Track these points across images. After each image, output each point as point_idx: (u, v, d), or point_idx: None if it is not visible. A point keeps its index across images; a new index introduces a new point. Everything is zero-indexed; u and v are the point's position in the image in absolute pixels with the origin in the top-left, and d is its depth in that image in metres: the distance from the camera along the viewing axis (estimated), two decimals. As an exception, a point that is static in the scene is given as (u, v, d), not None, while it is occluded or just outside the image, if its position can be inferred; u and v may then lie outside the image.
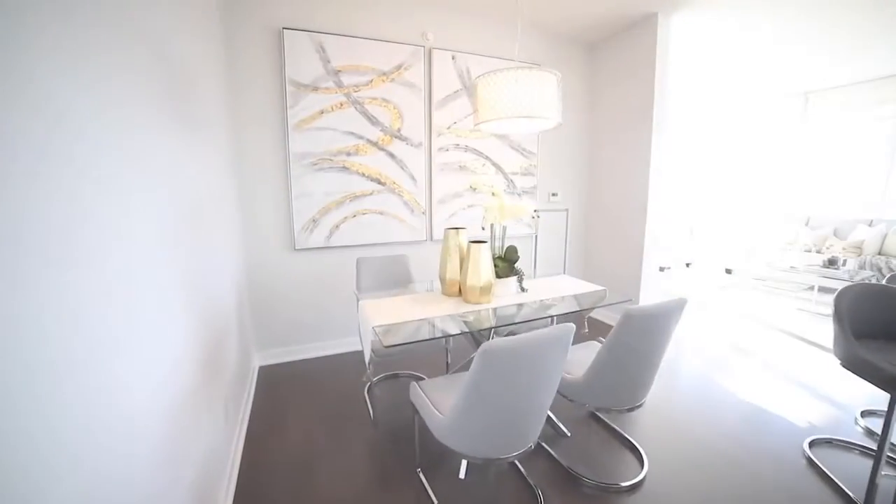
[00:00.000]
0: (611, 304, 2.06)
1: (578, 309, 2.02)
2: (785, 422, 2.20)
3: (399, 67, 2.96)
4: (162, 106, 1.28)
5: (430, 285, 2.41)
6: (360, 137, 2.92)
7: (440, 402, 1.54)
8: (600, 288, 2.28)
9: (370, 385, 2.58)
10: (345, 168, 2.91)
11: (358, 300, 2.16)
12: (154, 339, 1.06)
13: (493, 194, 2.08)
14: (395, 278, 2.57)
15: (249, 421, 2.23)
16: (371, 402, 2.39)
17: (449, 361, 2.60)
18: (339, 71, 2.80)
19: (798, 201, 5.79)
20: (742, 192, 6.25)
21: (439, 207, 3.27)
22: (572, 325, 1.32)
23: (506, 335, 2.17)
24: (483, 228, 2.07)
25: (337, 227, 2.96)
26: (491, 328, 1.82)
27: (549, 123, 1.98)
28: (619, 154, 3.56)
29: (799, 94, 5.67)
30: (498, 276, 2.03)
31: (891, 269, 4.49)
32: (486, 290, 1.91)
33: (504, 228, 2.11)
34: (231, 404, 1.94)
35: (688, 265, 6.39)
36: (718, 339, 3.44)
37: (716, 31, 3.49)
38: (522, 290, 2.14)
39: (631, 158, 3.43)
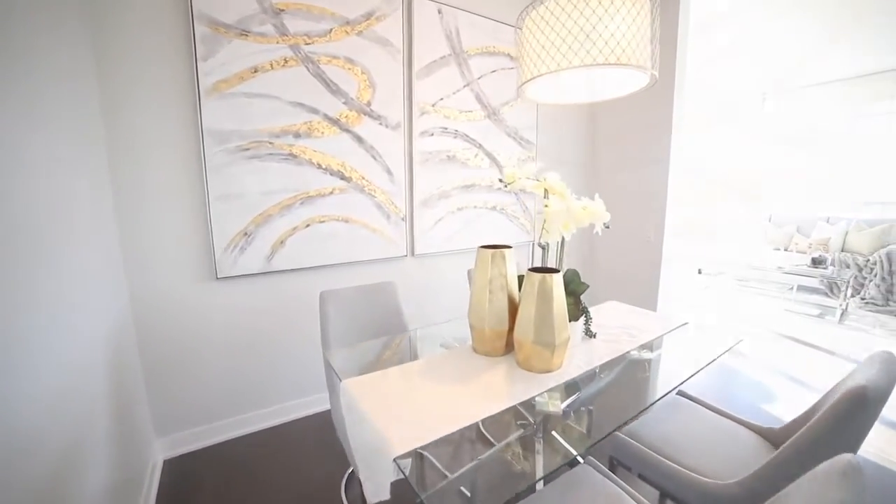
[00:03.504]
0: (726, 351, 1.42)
1: (700, 368, 1.35)
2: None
3: (369, 16, 2.11)
4: None
5: (419, 330, 1.63)
6: (315, 111, 2.02)
7: None
8: (680, 323, 1.65)
9: (351, 477, 1.71)
10: (292, 156, 2.00)
11: (330, 365, 1.29)
12: None
13: (545, 191, 1.34)
14: (382, 319, 1.72)
15: None
16: (354, 519, 1.52)
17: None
18: (282, 10, 1.88)
19: (761, 199, 5.80)
20: (709, 191, 6.19)
21: (422, 212, 2.46)
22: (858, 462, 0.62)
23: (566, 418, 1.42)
24: (542, 246, 1.32)
25: (282, 242, 2.03)
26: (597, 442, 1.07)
27: (638, 80, 1.29)
28: (631, 141, 3.01)
29: (756, 92, 5.70)
30: (565, 319, 1.29)
31: (857, 266, 4.52)
32: (562, 347, 1.16)
33: (562, 242, 1.38)
34: None
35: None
36: (740, 354, 3.03)
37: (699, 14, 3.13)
38: (590, 335, 1.43)
39: (646, 145, 2.90)
